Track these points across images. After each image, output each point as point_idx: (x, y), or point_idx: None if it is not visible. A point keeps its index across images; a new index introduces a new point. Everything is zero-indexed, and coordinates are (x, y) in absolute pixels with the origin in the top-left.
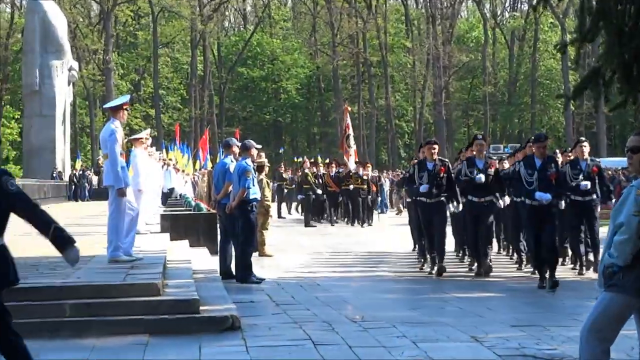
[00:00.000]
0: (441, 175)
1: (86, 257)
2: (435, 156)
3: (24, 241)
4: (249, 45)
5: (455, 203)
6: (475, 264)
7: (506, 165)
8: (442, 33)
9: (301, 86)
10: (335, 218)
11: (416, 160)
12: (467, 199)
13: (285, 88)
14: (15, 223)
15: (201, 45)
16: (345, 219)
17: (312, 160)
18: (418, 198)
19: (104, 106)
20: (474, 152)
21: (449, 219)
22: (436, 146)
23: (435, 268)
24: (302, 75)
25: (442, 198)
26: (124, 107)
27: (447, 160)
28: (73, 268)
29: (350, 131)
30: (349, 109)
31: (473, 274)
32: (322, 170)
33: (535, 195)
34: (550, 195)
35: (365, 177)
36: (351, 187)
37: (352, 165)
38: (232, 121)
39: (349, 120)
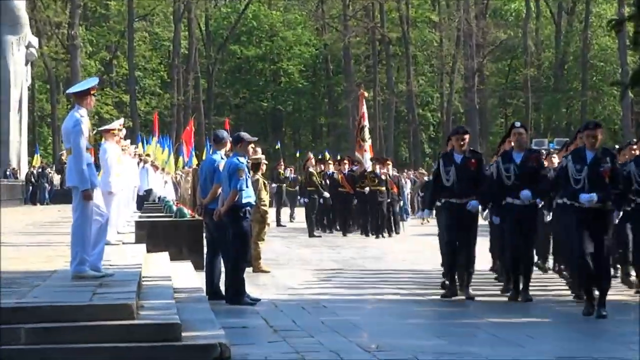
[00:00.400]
0: (472, 169)
1: (45, 272)
2: (466, 147)
3: None
4: (242, 18)
5: (486, 209)
6: (511, 286)
7: (555, 161)
8: (475, 5)
9: (305, 68)
10: (351, 227)
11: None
12: (504, 202)
13: (286, 70)
14: None
15: (186, 17)
16: (360, 228)
17: (320, 157)
18: (445, 200)
19: (68, 91)
20: (512, 145)
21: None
22: (466, 136)
23: (462, 295)
24: (306, 55)
25: (475, 199)
26: (92, 92)
27: (480, 152)
28: (30, 286)
29: (366, 122)
30: (365, 94)
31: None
32: (332, 168)
33: (580, 197)
34: (600, 195)
35: (383, 177)
36: (367, 189)
37: (367, 163)
38: (222, 109)
39: (364, 109)
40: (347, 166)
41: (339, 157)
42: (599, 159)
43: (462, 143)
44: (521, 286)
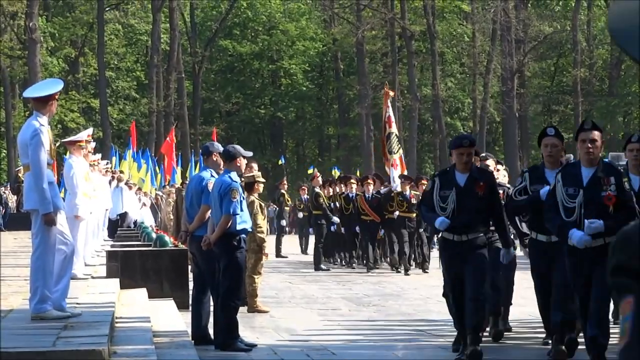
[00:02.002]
0: (479, 194)
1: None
2: (477, 163)
3: None
4: (235, 7)
5: (506, 247)
6: (551, 343)
7: (501, 174)
8: None
9: (311, 67)
10: (377, 260)
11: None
12: (530, 236)
13: (287, 70)
14: None
15: (166, 7)
16: (384, 261)
17: (338, 176)
18: (441, 234)
19: (25, 94)
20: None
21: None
22: (471, 148)
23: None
24: (312, 52)
25: (482, 234)
26: (55, 96)
27: (490, 170)
28: None
29: (394, 128)
30: (391, 94)
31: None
32: (354, 189)
33: (570, 236)
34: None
35: (414, 201)
36: (396, 214)
37: (394, 182)
38: (210, 117)
39: (390, 112)
40: (371, 187)
41: (358, 174)
42: (599, 179)
43: (466, 159)
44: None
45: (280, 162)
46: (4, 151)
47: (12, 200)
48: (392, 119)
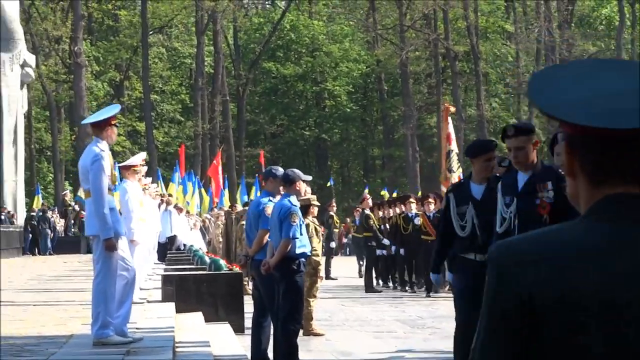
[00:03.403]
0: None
1: (60, 337)
2: (498, 171)
3: None
4: (278, 29)
5: None
6: None
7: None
8: (557, 11)
9: (355, 89)
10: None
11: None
12: None
13: (331, 92)
14: None
15: (210, 30)
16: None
17: (387, 198)
18: (460, 255)
19: (84, 121)
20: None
21: None
22: (492, 153)
23: None
24: (355, 74)
25: None
26: (112, 121)
27: (559, 169)
28: (46, 354)
29: (454, 145)
30: (452, 109)
31: None
32: (413, 209)
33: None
34: None
35: None
36: None
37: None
38: (255, 139)
39: (451, 129)
40: (432, 206)
41: (419, 193)
42: (534, 185)
43: (484, 165)
44: None
45: (328, 184)
46: (51, 175)
47: (60, 224)
48: (452, 136)
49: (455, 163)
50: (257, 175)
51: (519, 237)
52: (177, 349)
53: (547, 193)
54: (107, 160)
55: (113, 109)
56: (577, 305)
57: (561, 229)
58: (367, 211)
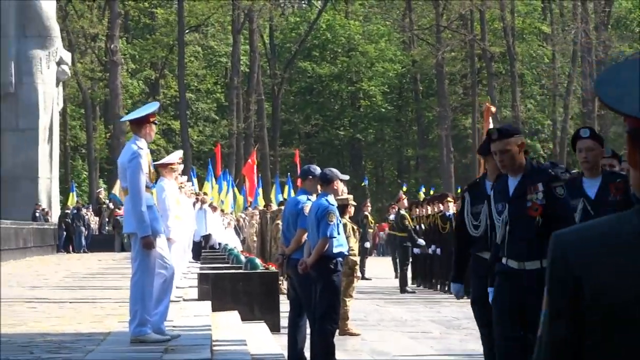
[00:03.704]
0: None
1: (98, 334)
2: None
3: (25, 312)
4: (314, 29)
5: None
6: None
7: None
8: (594, 13)
9: (390, 89)
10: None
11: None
12: None
13: (366, 92)
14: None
15: (246, 28)
16: None
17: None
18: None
19: (122, 119)
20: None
21: None
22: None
23: None
24: (391, 74)
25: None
26: (151, 119)
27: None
28: (84, 352)
29: None
30: (493, 109)
31: None
32: (451, 208)
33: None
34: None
35: None
36: None
37: None
38: (289, 139)
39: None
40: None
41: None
42: (524, 188)
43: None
44: None
45: (363, 184)
46: (85, 173)
47: (94, 222)
48: None
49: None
50: (289, 174)
51: (575, 227)
52: (215, 348)
53: (537, 195)
54: (145, 158)
55: (152, 107)
56: (622, 291)
57: (617, 218)
58: (403, 211)
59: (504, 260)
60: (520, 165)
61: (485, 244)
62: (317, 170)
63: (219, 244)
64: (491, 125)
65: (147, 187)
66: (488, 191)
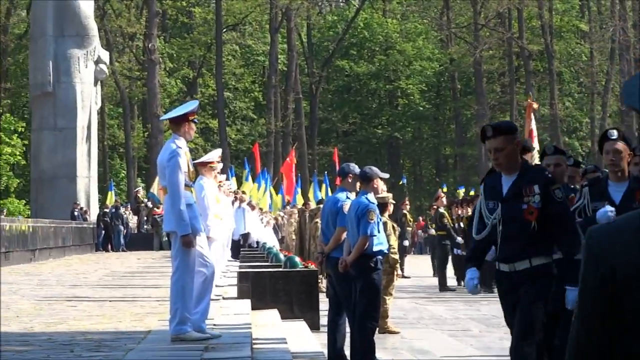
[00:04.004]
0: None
1: (138, 333)
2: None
3: (65, 310)
4: (352, 28)
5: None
6: None
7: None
8: (632, 11)
9: (428, 87)
10: None
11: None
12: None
13: (404, 90)
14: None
15: (284, 27)
16: None
17: (463, 197)
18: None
19: (162, 117)
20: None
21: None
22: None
23: None
24: (429, 72)
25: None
26: (190, 117)
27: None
28: (124, 350)
29: (535, 143)
30: (535, 106)
31: None
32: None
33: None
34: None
35: None
36: None
37: None
38: (327, 137)
39: (533, 125)
40: None
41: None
42: (519, 189)
43: (494, 156)
44: None
45: (400, 182)
46: (124, 172)
47: (132, 220)
48: (535, 133)
49: (536, 160)
50: (326, 172)
51: (608, 222)
52: (255, 346)
53: (533, 197)
54: (184, 157)
55: (191, 105)
56: None
57: None
58: (442, 209)
59: (496, 264)
60: (515, 164)
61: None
62: (357, 168)
63: (257, 242)
64: (533, 122)
65: (186, 185)
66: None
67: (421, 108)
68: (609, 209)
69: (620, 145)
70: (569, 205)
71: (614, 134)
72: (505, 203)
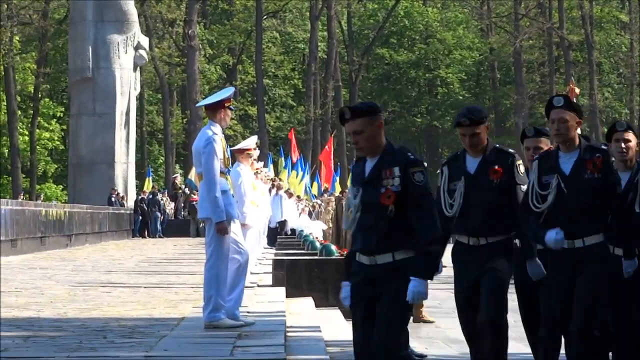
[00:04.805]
0: (494, 182)
1: (172, 319)
2: (485, 143)
3: (99, 296)
4: (392, 16)
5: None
6: None
7: None
8: None
9: (467, 76)
10: None
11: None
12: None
13: (444, 79)
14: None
15: (324, 15)
16: None
17: None
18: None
19: (198, 104)
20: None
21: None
22: (481, 125)
23: None
24: (468, 61)
25: (501, 238)
26: (226, 104)
27: (512, 152)
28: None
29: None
30: (577, 91)
31: None
32: None
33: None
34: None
35: None
36: None
37: None
38: None
39: None
40: None
41: None
42: (379, 170)
43: (473, 136)
44: None
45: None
46: (162, 158)
47: (169, 207)
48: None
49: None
50: None
51: None
52: (289, 334)
53: (392, 180)
54: (220, 144)
55: (227, 92)
56: None
57: None
58: None
59: (357, 256)
60: (378, 147)
61: (461, 228)
62: None
63: (292, 230)
64: None
65: (221, 172)
66: (468, 167)
67: (460, 97)
68: (558, 234)
69: (630, 134)
70: (431, 189)
71: (623, 125)
72: (365, 187)
